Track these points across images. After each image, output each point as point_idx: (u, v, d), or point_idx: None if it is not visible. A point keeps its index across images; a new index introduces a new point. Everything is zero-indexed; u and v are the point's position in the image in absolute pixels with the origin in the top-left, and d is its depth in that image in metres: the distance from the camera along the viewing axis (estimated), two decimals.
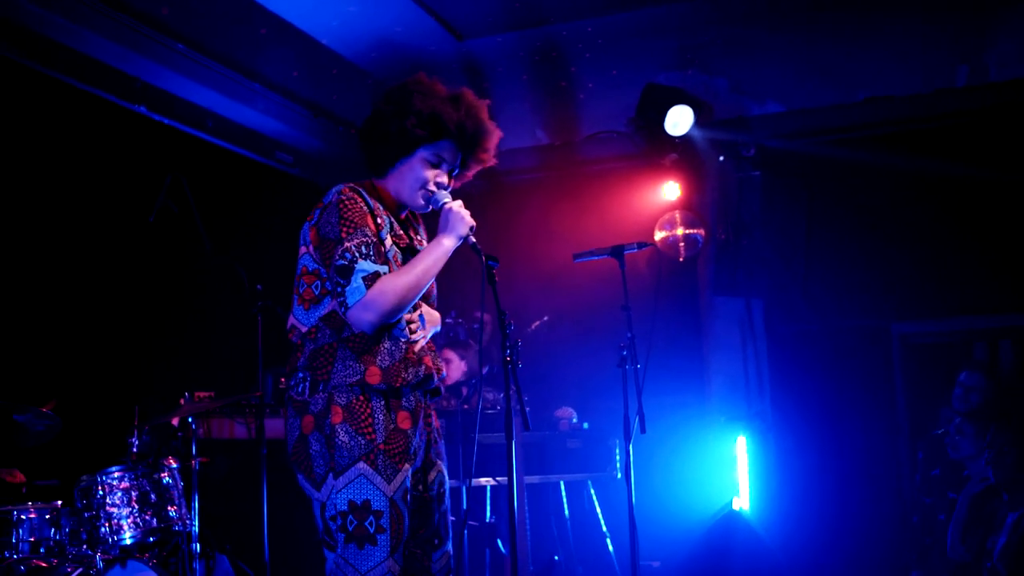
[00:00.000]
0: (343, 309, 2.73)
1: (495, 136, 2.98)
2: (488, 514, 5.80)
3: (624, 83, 7.30)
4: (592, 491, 5.92)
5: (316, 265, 2.80)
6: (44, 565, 3.86)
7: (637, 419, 4.53)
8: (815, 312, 7.01)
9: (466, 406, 6.33)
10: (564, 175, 7.58)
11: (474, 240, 2.88)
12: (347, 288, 2.70)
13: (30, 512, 4.03)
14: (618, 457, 5.69)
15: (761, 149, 7.09)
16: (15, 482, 4.55)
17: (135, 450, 4.31)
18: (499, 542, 5.44)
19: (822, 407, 6.84)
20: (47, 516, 4.04)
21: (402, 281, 2.73)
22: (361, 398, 2.73)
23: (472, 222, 2.88)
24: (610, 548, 5.85)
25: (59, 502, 4.16)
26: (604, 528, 5.87)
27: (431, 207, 2.94)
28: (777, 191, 7.08)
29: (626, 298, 4.66)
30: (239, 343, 5.32)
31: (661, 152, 7.19)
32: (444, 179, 2.93)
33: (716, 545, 6.17)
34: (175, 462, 4.24)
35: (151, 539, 4.12)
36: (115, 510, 4.00)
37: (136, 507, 4.04)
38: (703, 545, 6.20)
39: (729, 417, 7.06)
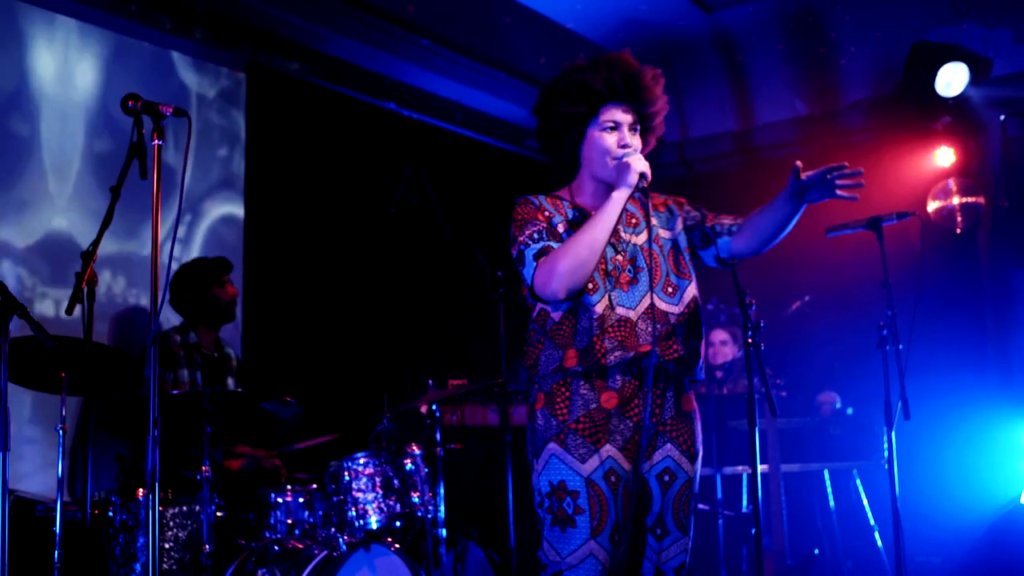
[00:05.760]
0: (529, 294, 2.80)
1: (649, 74, 2.88)
2: (744, 504, 5.56)
3: (889, 44, 6.80)
4: (858, 481, 5.55)
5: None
6: (300, 546, 4.02)
7: (900, 404, 4.18)
8: None
9: (726, 390, 6.12)
10: (824, 146, 7.15)
11: (645, 184, 2.77)
12: (524, 271, 2.78)
13: (287, 495, 4.22)
14: (886, 445, 5.29)
15: None
16: (277, 469, 4.80)
17: (382, 438, 4.44)
18: (752, 532, 5.20)
19: None
20: (301, 499, 4.22)
21: (573, 241, 2.73)
22: (561, 382, 2.76)
23: (642, 168, 2.77)
24: (878, 542, 5.46)
25: (314, 486, 4.34)
26: (872, 520, 5.48)
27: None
28: None
29: (885, 274, 4.29)
30: (488, 330, 5.38)
31: (932, 116, 6.65)
32: (629, 139, 2.86)
33: (1003, 542, 5.63)
34: (419, 449, 4.31)
35: (397, 524, 4.21)
36: (361, 495, 4.12)
37: (380, 492, 4.13)
38: (987, 542, 5.68)
39: (1018, 402, 6.42)
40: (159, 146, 2.93)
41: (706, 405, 5.79)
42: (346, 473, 4.15)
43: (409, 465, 4.22)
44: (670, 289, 2.86)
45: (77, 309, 3.11)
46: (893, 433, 4.19)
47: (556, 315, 2.79)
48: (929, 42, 6.54)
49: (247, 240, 5.55)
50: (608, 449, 2.71)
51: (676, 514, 2.78)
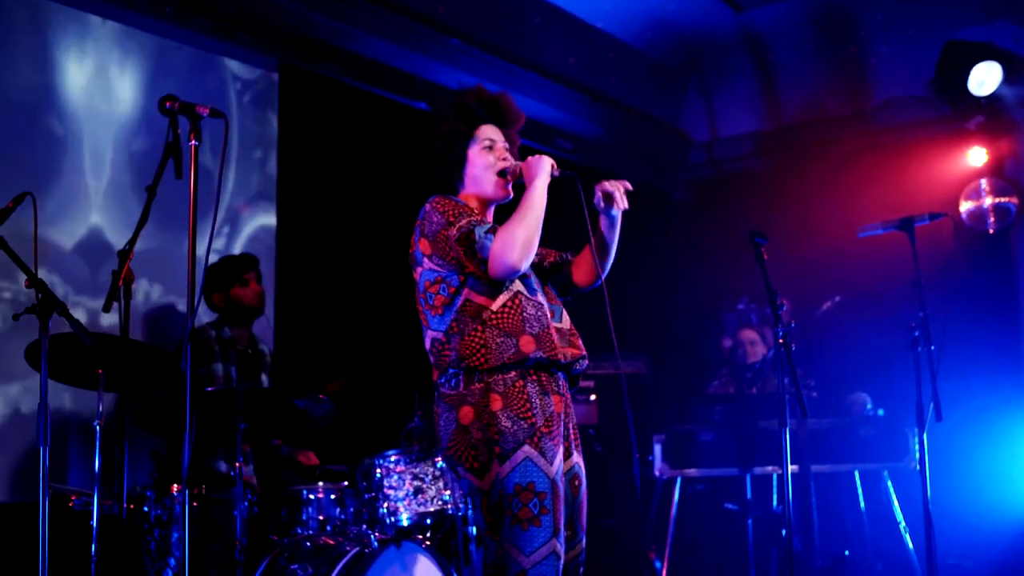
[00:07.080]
0: (483, 266, 2.81)
1: (509, 96, 3.10)
2: (774, 504, 5.55)
3: (921, 43, 6.78)
4: (889, 483, 5.52)
5: (437, 272, 2.90)
6: (331, 543, 4.05)
7: (932, 406, 4.16)
8: None
9: (754, 390, 6.10)
10: (855, 146, 7.14)
11: (557, 175, 2.94)
12: (477, 245, 2.80)
13: (319, 492, 4.25)
14: (917, 447, 5.26)
15: None
16: (310, 464, 4.85)
17: (413, 436, 4.47)
18: (783, 532, 5.19)
19: None
20: (333, 496, 4.25)
21: (520, 215, 2.83)
22: (518, 384, 2.80)
23: (551, 160, 2.95)
24: (909, 544, 5.43)
25: (345, 483, 4.37)
26: (902, 523, 5.45)
27: (510, 176, 3.00)
28: None
29: (917, 274, 4.27)
30: None
31: (964, 115, 6.63)
32: (507, 156, 3.04)
33: None
34: None
35: (427, 521, 4.23)
36: (392, 492, 4.15)
37: (411, 490, 4.16)
38: (1019, 544, 5.64)
39: None
40: (195, 146, 2.94)
41: (735, 405, 5.79)
42: (378, 470, 4.17)
43: (440, 463, 4.24)
44: (551, 295, 3.07)
45: (113, 308, 3.13)
46: (925, 435, 4.17)
47: (495, 304, 2.83)
48: (961, 41, 6.51)
49: (280, 238, 5.59)
50: (562, 451, 2.86)
51: (582, 517, 2.93)
